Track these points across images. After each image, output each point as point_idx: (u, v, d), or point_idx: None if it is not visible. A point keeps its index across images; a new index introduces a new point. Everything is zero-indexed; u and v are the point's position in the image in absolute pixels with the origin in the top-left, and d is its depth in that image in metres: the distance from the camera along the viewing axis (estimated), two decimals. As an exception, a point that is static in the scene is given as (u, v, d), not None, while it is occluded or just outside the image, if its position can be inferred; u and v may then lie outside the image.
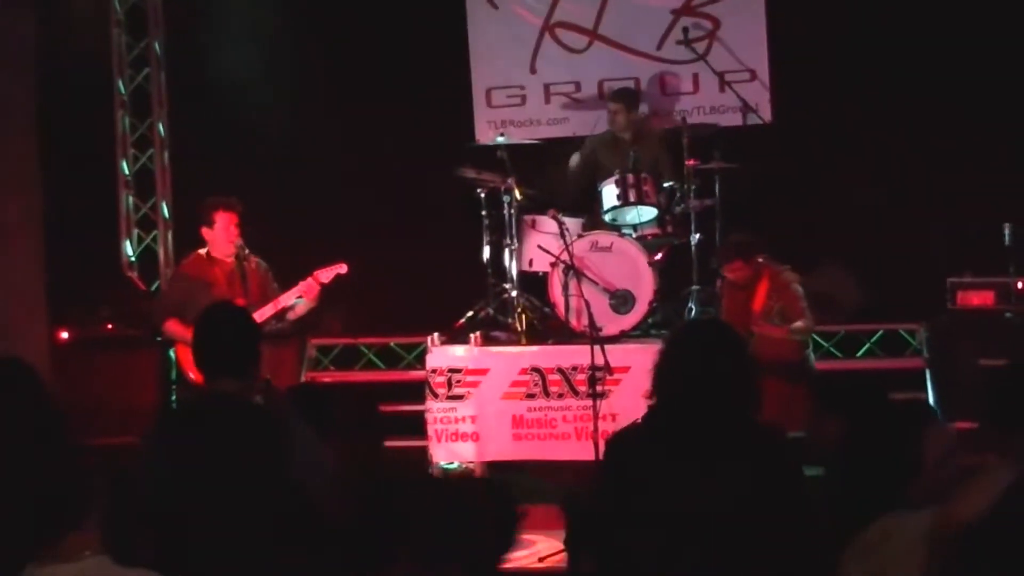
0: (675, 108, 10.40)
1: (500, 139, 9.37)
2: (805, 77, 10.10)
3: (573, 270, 8.45)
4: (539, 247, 8.82)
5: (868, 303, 10.01)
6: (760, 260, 8.24)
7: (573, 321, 8.53)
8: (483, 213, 9.22)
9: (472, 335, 8.79)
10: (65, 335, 10.18)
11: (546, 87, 10.68)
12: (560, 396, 8.44)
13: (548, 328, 8.97)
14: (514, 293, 8.98)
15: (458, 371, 8.53)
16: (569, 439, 8.39)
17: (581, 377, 8.31)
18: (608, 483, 3.89)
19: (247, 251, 7.86)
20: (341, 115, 10.59)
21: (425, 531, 3.51)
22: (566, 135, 10.48)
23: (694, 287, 8.98)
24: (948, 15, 9.84)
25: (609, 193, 9.10)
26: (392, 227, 10.47)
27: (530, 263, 9.01)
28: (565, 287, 8.50)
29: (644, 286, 8.67)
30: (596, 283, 8.58)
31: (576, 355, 8.35)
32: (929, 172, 9.83)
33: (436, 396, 8.51)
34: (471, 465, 8.62)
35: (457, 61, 10.62)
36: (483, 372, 8.54)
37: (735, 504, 3.65)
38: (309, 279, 7.83)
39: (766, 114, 10.07)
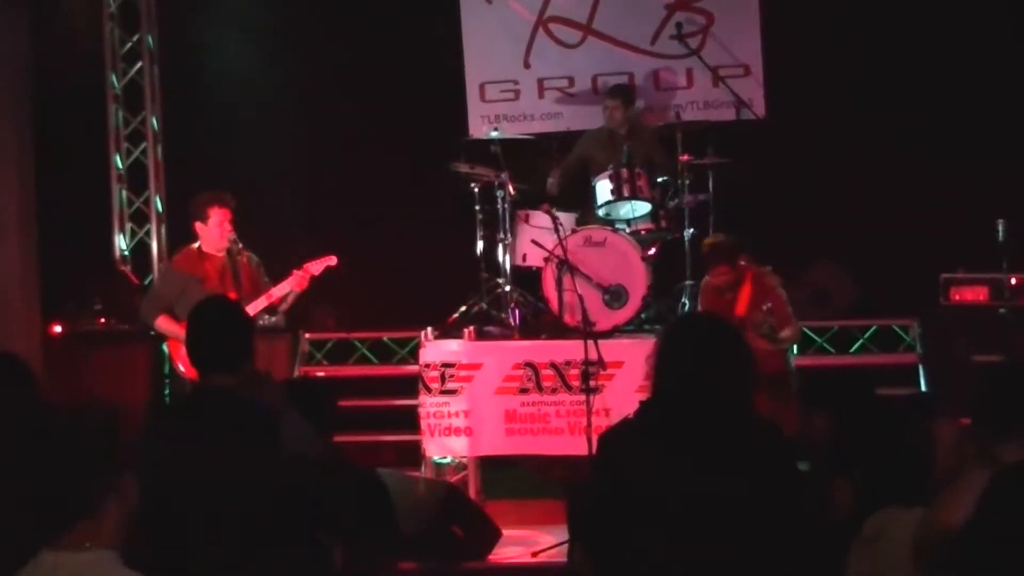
0: (669, 103, 10.39)
1: (494, 134, 9.36)
2: (799, 72, 10.11)
3: (566, 265, 8.44)
4: (533, 242, 8.81)
5: (861, 299, 10.03)
6: (742, 263, 8.10)
7: (566, 316, 8.52)
8: (476, 208, 9.20)
9: (465, 330, 8.78)
10: (58, 329, 10.18)
11: (540, 82, 10.67)
12: (553, 391, 8.42)
13: (541, 323, 8.96)
14: (507, 288, 8.98)
15: (451, 366, 8.52)
16: (562, 434, 8.37)
17: (574, 372, 8.30)
18: (601, 479, 3.88)
19: (240, 245, 7.87)
20: (334, 109, 10.58)
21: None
22: (560, 130, 10.48)
23: (687, 282, 8.96)
24: (943, 11, 9.86)
25: (603, 188, 9.10)
26: (385, 221, 10.47)
27: (523, 258, 9.00)
28: (558, 282, 8.49)
29: (637, 281, 8.66)
30: (589, 278, 8.57)
31: (569, 350, 8.34)
32: (923, 168, 9.84)
33: (429, 391, 8.50)
34: (464, 460, 8.62)
35: (451, 55, 10.60)
36: (476, 367, 8.53)
37: (731, 499, 3.64)
38: (299, 271, 7.86)
39: (760, 109, 10.07)
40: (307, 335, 10.32)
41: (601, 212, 9.15)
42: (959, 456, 3.88)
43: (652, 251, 9.20)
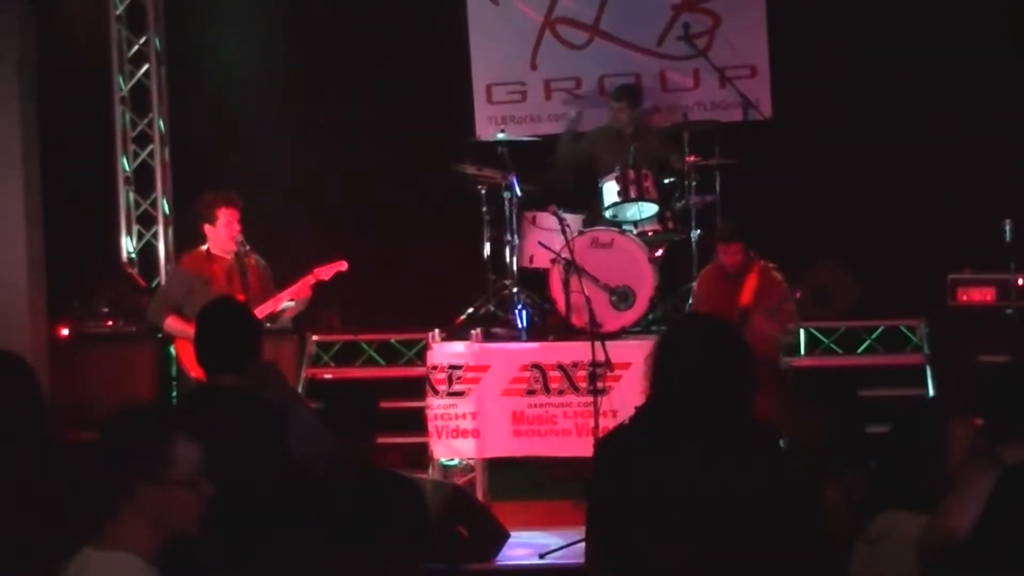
0: (675, 104, 10.39)
1: (500, 135, 9.37)
2: (805, 73, 10.10)
3: (573, 266, 8.44)
4: (539, 243, 8.81)
5: (865, 299, 10.02)
6: (752, 253, 8.29)
7: (573, 317, 8.52)
8: (483, 209, 9.22)
9: (472, 331, 8.79)
10: (65, 331, 10.17)
11: (546, 83, 10.66)
12: (560, 392, 8.43)
13: (548, 324, 8.96)
14: (515, 290, 8.98)
15: (458, 367, 8.52)
16: (570, 435, 8.38)
17: (581, 373, 8.30)
18: (603, 484, 3.86)
19: (248, 247, 7.87)
20: (341, 110, 10.59)
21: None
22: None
23: (694, 283, 8.97)
24: (948, 11, 9.85)
25: (610, 189, 9.10)
26: (392, 223, 10.47)
27: (530, 259, 9.00)
28: (565, 283, 8.49)
29: (644, 282, 8.66)
30: (596, 279, 8.57)
31: (576, 351, 8.35)
32: (929, 168, 9.82)
33: (436, 392, 8.50)
34: (471, 461, 8.62)
35: (457, 57, 10.60)
36: (484, 368, 8.53)
37: (731, 499, 3.63)
38: (308, 276, 7.85)
39: (766, 110, 10.07)
40: (314, 337, 10.31)
41: (608, 213, 9.14)
42: (970, 456, 3.89)
43: (659, 252, 9.21)
